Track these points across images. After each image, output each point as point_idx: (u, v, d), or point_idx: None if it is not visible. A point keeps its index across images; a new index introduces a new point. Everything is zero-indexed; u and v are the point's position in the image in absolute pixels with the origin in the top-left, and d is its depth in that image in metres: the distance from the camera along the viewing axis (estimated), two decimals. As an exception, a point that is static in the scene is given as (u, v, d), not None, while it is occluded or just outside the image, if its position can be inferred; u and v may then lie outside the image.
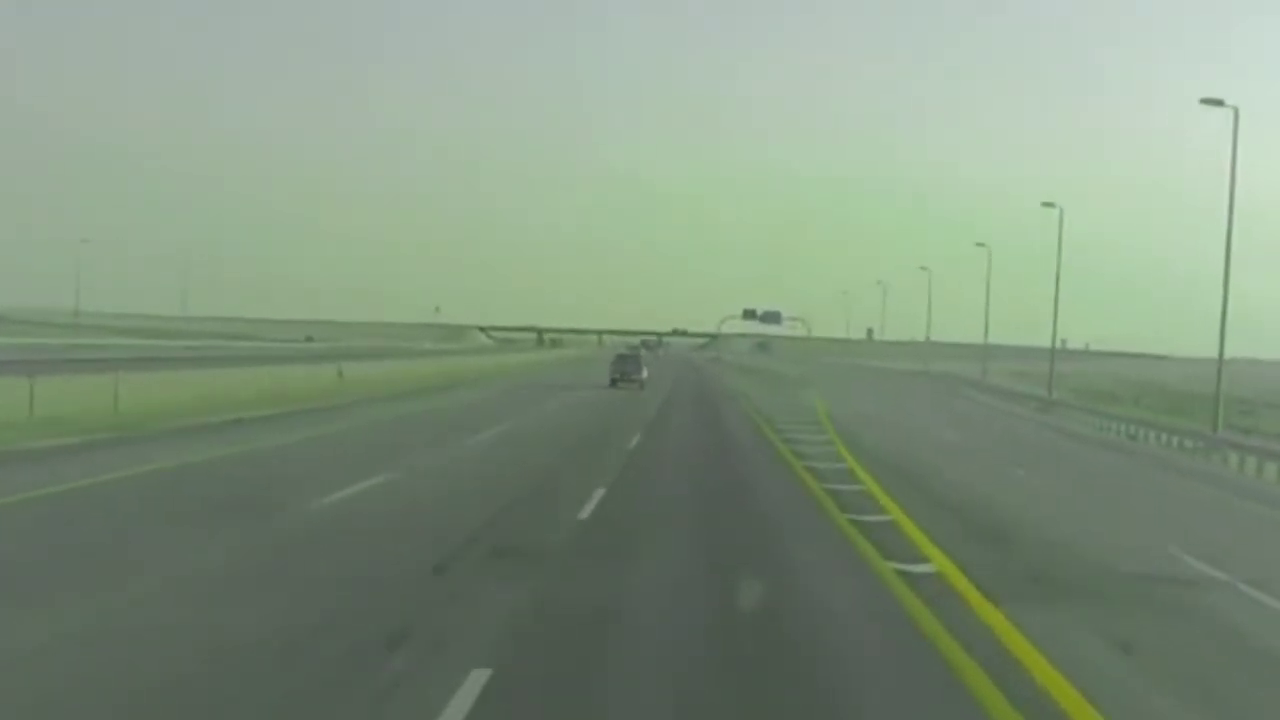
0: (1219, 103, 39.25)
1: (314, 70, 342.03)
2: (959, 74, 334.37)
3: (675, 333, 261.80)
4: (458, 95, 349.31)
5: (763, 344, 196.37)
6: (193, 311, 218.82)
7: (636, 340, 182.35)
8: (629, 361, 62.54)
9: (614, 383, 58.87)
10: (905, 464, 26.90)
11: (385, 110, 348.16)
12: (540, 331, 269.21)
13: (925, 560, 13.94)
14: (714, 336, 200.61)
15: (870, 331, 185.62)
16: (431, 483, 19.64)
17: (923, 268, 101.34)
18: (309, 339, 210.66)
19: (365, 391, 46.81)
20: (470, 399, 45.64)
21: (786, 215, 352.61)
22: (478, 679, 7.95)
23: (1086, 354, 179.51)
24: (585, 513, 16.51)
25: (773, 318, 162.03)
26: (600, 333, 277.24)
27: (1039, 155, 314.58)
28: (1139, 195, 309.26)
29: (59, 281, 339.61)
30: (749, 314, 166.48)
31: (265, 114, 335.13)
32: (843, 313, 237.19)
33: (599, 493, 18.23)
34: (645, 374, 60.48)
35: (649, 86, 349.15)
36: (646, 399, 48.94)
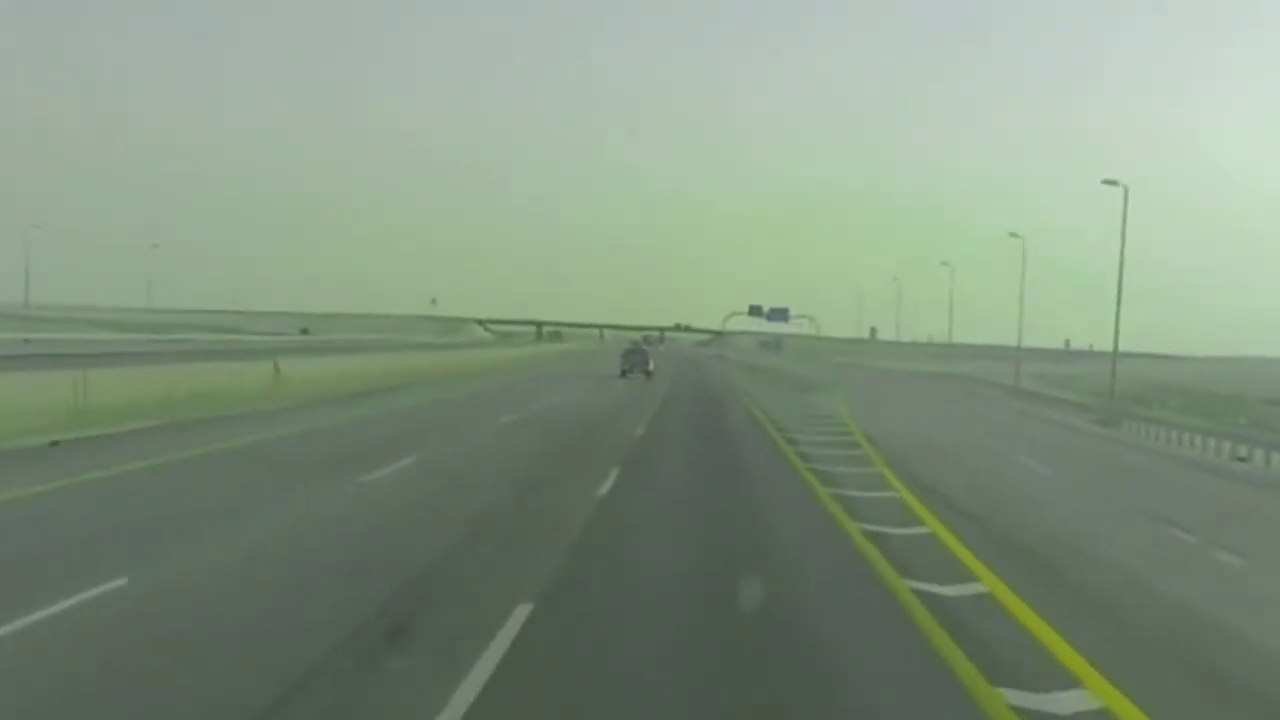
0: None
1: (312, 62, 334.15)
2: (965, 75, 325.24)
3: (678, 328, 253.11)
4: (458, 88, 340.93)
5: (767, 342, 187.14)
6: (183, 305, 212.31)
7: (639, 335, 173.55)
8: (637, 355, 69.39)
9: (624, 373, 64.95)
10: (1015, 526, 17.88)
11: (384, 103, 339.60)
12: (539, 325, 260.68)
13: None
14: (718, 333, 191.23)
15: (873, 331, 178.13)
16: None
17: (944, 263, 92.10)
18: (304, 331, 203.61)
19: (308, 394, 38.16)
20: (410, 405, 36.75)
21: (792, 212, 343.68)
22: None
23: (1092, 355, 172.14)
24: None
25: (779, 315, 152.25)
26: (601, 327, 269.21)
27: (1043, 158, 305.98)
28: (1133, 197, 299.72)
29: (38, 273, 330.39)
30: (755, 310, 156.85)
31: (262, 107, 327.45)
32: (845, 311, 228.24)
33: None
34: (652, 366, 67.95)
35: (651, 80, 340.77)
36: (632, 402, 40.58)
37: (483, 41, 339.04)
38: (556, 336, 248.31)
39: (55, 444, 21.26)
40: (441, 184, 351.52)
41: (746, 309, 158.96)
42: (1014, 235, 70.71)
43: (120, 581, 10.45)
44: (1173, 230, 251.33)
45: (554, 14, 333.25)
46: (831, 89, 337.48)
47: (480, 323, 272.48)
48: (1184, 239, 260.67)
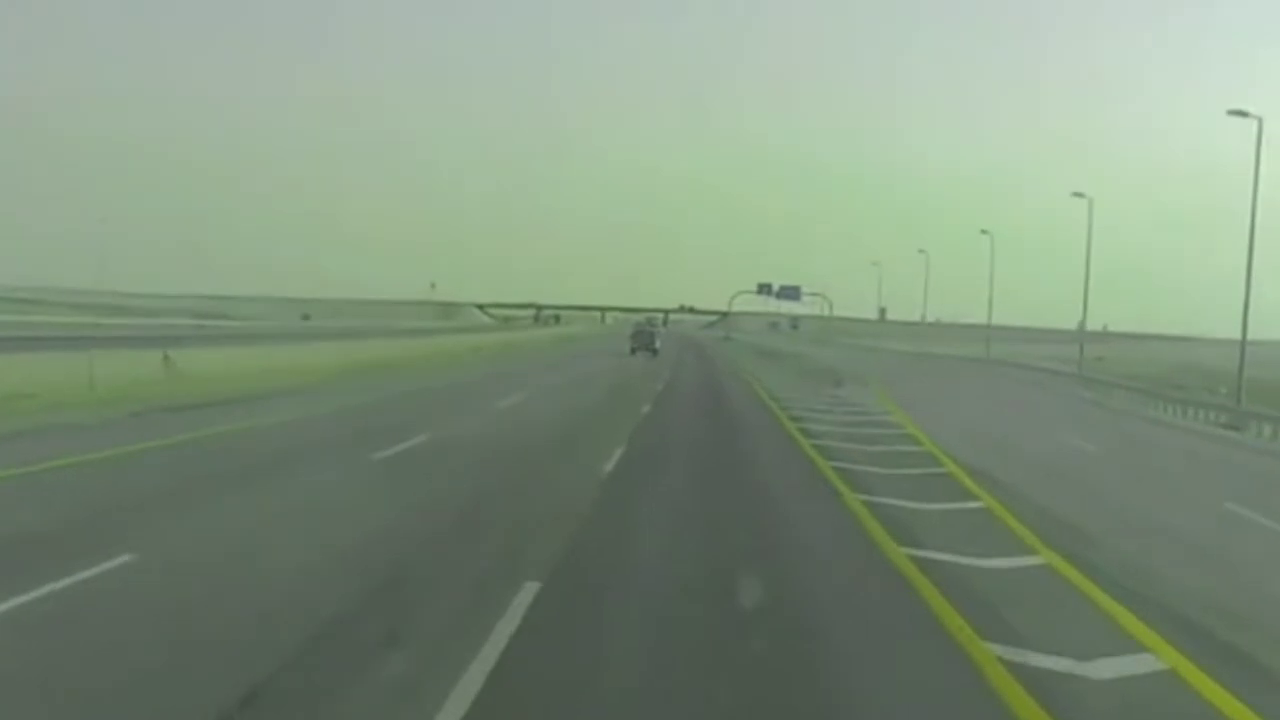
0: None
1: (311, 49, 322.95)
2: (977, 58, 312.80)
3: (682, 309, 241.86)
4: (456, 74, 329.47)
5: (776, 322, 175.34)
6: (178, 290, 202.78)
7: (642, 318, 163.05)
8: (644, 335, 76.67)
9: (633, 351, 71.17)
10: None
11: (381, 88, 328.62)
12: (539, 308, 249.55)
13: None
14: (724, 314, 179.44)
15: (883, 311, 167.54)
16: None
17: (984, 231, 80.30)
18: (306, 317, 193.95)
19: (197, 393, 28.82)
20: (291, 419, 25.53)
21: (799, 190, 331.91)
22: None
23: (1107, 335, 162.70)
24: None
25: (791, 293, 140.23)
26: (603, 310, 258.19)
27: (1050, 142, 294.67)
28: (1142, 180, 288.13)
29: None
30: (764, 289, 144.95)
31: (257, 92, 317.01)
32: (852, 291, 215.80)
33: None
34: (658, 344, 74.85)
35: (650, 57, 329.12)
36: (605, 405, 29.57)
37: (479, 25, 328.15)
38: (556, 320, 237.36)
39: None
40: (442, 168, 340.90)
41: (755, 287, 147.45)
42: (1080, 195, 59.46)
43: None
44: (1192, 215, 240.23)
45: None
46: (841, 63, 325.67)
47: (480, 307, 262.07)
48: (1202, 224, 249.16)
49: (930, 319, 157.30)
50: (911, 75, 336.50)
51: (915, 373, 63.26)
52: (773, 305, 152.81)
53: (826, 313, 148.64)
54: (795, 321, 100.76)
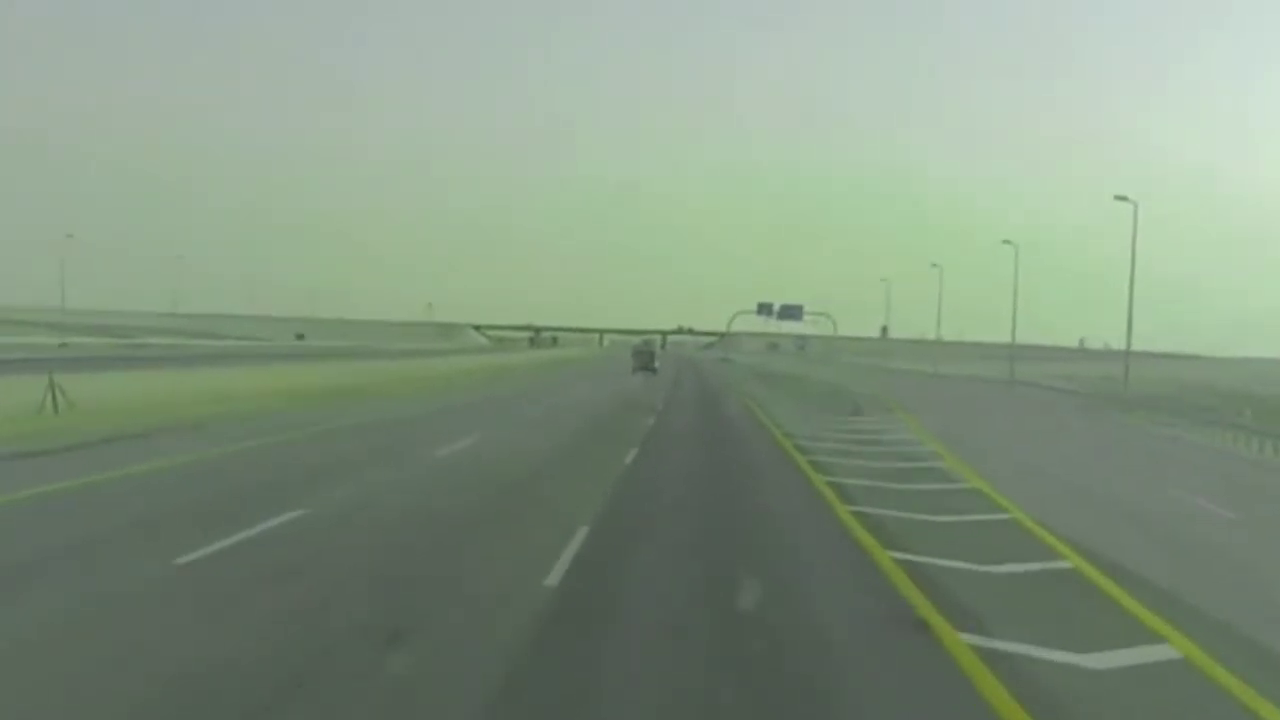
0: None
1: (310, 66, 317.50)
2: (974, 75, 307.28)
3: (681, 330, 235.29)
4: (454, 92, 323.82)
5: (775, 344, 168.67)
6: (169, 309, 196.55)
7: (640, 340, 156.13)
8: (644, 355, 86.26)
9: (635, 370, 78.60)
10: None
11: (380, 107, 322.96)
12: (537, 330, 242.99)
13: None
14: (723, 335, 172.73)
15: (884, 330, 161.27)
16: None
17: (1006, 241, 73.69)
18: (300, 336, 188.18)
19: (61, 431, 23.86)
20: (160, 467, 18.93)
21: (797, 209, 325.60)
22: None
23: (1110, 354, 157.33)
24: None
25: (793, 313, 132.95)
26: (602, 331, 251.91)
27: (1044, 160, 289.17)
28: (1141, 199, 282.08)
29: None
30: (764, 308, 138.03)
31: (258, 112, 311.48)
32: (851, 310, 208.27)
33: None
34: (658, 364, 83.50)
35: (647, 84, 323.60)
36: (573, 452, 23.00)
37: (481, 46, 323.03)
38: (553, 342, 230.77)
39: None
40: (443, 189, 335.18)
41: (754, 307, 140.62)
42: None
43: None
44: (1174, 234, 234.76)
45: (553, 15, 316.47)
46: (837, 86, 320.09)
47: (477, 328, 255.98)
48: (1182, 243, 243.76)
49: (932, 337, 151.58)
50: (911, 94, 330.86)
51: (939, 396, 56.60)
52: (773, 326, 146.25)
53: (830, 332, 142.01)
54: (803, 342, 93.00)
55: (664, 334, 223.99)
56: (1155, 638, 9.63)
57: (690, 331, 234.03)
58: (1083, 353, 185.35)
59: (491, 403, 40.79)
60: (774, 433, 30.80)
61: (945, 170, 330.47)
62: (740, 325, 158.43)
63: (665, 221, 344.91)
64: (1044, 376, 76.08)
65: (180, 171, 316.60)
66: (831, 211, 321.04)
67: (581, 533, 13.25)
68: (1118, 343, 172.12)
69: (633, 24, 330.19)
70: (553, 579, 10.80)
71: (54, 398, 29.57)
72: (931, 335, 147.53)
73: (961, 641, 9.04)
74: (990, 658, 8.59)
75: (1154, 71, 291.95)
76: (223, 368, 60.32)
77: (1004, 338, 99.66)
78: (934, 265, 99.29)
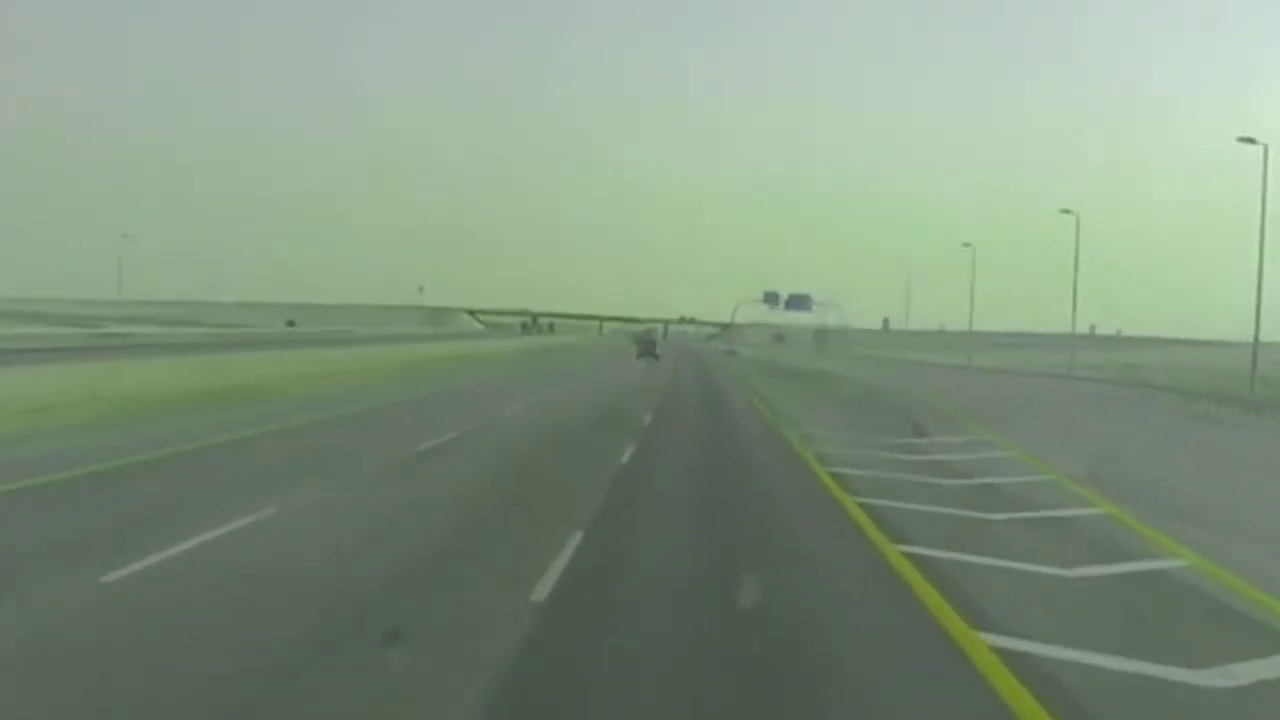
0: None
1: (300, 52, 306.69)
2: (978, 66, 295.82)
3: (683, 321, 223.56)
4: (452, 75, 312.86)
5: (780, 335, 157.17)
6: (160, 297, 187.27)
7: (641, 329, 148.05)
8: (646, 343, 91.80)
9: (640, 355, 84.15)
10: None
11: (372, 90, 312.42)
12: (534, 316, 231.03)
13: None
14: (727, 325, 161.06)
15: (886, 321, 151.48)
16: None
17: (1066, 210, 62.74)
18: (291, 323, 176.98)
19: None
20: None
21: (798, 197, 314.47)
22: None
23: (1122, 340, 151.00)
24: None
25: (800, 303, 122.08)
26: (602, 320, 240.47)
27: (1043, 146, 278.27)
28: (1144, 182, 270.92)
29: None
30: (770, 297, 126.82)
31: (246, 96, 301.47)
32: (853, 300, 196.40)
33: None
34: (660, 351, 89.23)
35: (650, 67, 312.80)
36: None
37: (478, 30, 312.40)
38: (550, 329, 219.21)
39: None
40: (440, 171, 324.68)
41: (760, 296, 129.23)
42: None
43: None
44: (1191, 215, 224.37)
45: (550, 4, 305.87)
46: (843, 68, 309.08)
47: (471, 313, 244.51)
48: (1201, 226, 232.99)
49: (931, 327, 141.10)
50: (908, 81, 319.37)
51: (1002, 399, 44.07)
52: (775, 315, 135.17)
53: (839, 323, 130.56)
54: (823, 333, 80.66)
55: (665, 324, 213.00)
56: None
57: (693, 321, 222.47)
58: (1093, 339, 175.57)
59: (406, 408, 29.43)
60: (812, 465, 19.31)
61: (942, 158, 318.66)
62: (744, 315, 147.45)
63: (668, 209, 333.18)
64: (1071, 366, 64.75)
65: (156, 155, 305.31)
66: (835, 201, 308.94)
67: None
68: (1129, 329, 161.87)
69: (638, 11, 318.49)
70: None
71: None
72: (934, 326, 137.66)
73: None
74: None
75: (1168, 41, 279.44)
76: (166, 358, 49.08)
77: (1000, 326, 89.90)
78: (966, 245, 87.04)
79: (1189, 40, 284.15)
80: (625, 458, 19.78)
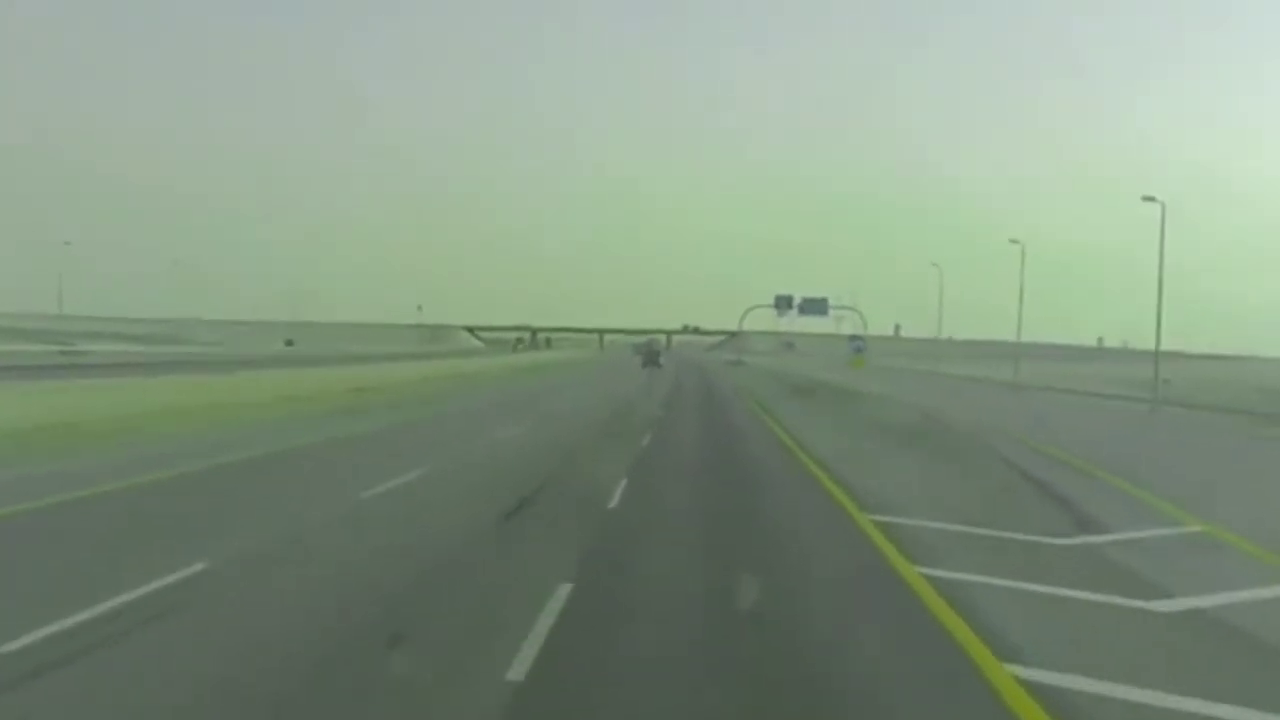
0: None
1: (303, 70, 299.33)
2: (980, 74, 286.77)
3: (687, 330, 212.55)
4: (450, 87, 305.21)
5: (789, 343, 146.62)
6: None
7: (643, 340, 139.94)
8: (650, 354, 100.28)
9: (644, 365, 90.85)
10: None
11: (372, 105, 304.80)
12: (533, 331, 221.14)
13: None
14: (734, 334, 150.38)
15: (897, 328, 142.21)
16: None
17: (1149, 197, 51.64)
18: (290, 343, 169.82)
19: None
20: None
21: (806, 203, 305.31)
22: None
23: (1129, 353, 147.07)
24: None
25: (816, 307, 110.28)
26: (603, 332, 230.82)
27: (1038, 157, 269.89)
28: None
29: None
30: (782, 302, 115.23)
31: (247, 114, 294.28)
32: (863, 307, 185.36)
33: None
34: (663, 361, 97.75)
35: (650, 74, 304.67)
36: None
37: (476, 41, 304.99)
38: (546, 344, 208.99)
39: None
40: (438, 187, 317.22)
41: (772, 300, 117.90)
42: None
43: None
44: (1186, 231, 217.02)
45: (550, 14, 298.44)
46: (849, 80, 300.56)
47: (470, 329, 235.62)
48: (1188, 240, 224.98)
49: (943, 336, 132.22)
50: (921, 90, 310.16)
51: (1124, 438, 32.19)
52: (785, 323, 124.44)
53: (855, 330, 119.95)
54: (860, 341, 69.32)
55: (669, 334, 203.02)
56: None
57: (697, 330, 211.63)
58: (1101, 352, 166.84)
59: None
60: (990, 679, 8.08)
61: (955, 169, 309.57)
62: (753, 322, 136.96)
63: (668, 216, 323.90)
64: (1098, 381, 55.06)
65: (155, 172, 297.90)
66: (843, 208, 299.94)
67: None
68: (1136, 342, 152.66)
69: (639, 16, 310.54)
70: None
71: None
72: (939, 334, 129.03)
73: None
74: None
75: (1168, 70, 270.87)
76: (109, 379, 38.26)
77: (1006, 336, 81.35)
78: (1013, 241, 76.24)
79: None
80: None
